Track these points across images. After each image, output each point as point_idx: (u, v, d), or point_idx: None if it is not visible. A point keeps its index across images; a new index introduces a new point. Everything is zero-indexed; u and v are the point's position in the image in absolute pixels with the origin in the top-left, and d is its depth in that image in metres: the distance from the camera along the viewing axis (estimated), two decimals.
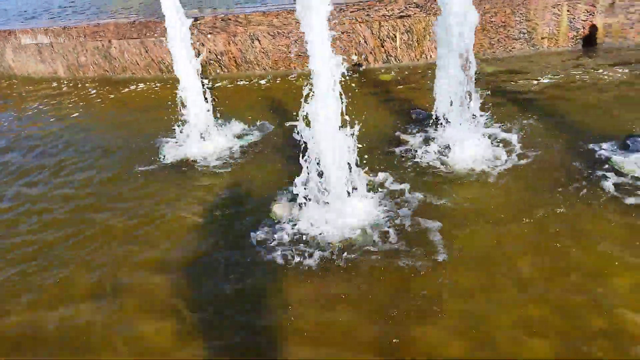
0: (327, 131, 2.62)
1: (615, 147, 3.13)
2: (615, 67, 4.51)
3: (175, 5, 3.67)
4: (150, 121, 4.66)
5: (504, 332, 2.01)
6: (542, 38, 5.11)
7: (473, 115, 3.58)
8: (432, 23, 5.10)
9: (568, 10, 4.95)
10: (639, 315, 1.99)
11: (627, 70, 4.39)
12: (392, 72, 5.21)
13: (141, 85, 5.98)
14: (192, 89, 3.74)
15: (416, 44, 5.31)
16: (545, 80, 4.44)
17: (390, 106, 4.40)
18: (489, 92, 4.30)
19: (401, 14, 5.18)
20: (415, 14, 5.15)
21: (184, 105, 3.85)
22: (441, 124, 3.59)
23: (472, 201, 2.88)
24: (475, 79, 3.74)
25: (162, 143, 4.12)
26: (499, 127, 3.64)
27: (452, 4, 3.19)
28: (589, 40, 5.06)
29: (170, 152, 3.95)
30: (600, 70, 4.49)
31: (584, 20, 4.98)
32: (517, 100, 4.13)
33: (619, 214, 2.57)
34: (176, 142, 4.06)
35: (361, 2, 5.25)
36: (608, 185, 2.79)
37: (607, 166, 2.96)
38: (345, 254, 2.54)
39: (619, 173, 2.87)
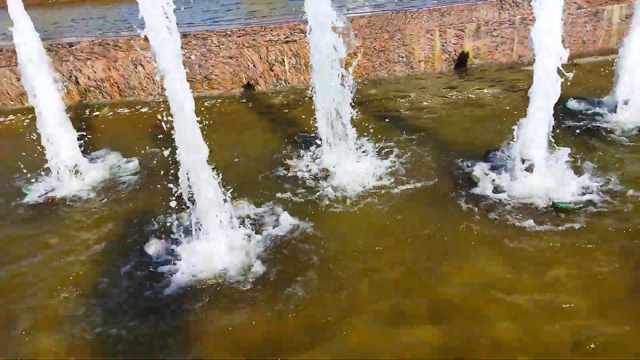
0: (192, 160, 2.51)
1: (478, 162, 3.36)
2: (483, 85, 4.91)
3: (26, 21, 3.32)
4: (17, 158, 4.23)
5: None
6: (420, 61, 5.44)
7: (351, 137, 3.70)
8: None
9: (440, 35, 5.32)
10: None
11: (493, 89, 4.79)
12: (280, 96, 5.24)
13: (11, 117, 5.44)
14: (52, 119, 3.43)
15: (304, 68, 5.40)
16: (421, 101, 4.72)
17: (278, 130, 4.40)
18: (371, 114, 4.48)
19: (287, 39, 5.25)
20: (300, 39, 5.24)
21: (47, 139, 3.52)
22: (324, 146, 3.64)
23: (346, 225, 2.91)
24: (359, 102, 3.88)
25: (27, 181, 3.74)
26: (377, 147, 3.77)
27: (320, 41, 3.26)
28: (461, 62, 5.48)
29: (35, 191, 3.59)
30: (470, 89, 4.86)
31: (454, 44, 5.38)
32: (394, 120, 4.33)
33: (480, 228, 2.74)
34: (42, 180, 3.71)
35: (247, 27, 5.25)
36: (470, 200, 2.98)
37: (469, 181, 3.16)
38: (215, 289, 2.44)
39: (482, 188, 3.06)
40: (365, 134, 3.92)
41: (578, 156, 3.28)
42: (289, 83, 5.47)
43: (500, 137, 3.60)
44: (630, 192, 2.87)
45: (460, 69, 5.49)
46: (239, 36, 5.25)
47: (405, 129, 4.11)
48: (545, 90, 2.86)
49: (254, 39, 5.23)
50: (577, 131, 3.69)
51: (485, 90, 4.79)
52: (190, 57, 5.35)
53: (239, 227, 2.78)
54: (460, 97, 4.72)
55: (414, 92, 4.98)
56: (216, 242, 2.63)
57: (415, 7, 5.34)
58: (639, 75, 3.65)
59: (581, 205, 2.76)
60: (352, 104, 3.51)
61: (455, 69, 5.49)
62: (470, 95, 4.73)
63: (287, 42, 5.27)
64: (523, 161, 3.02)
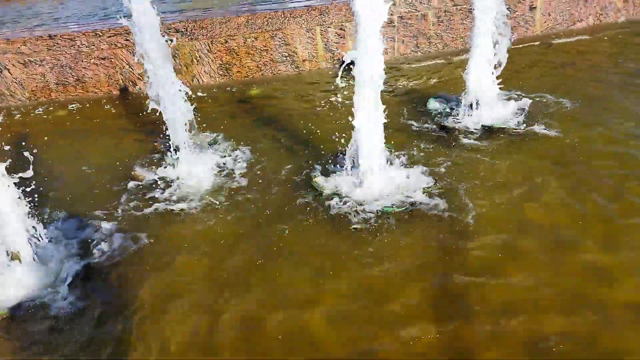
0: None
1: (325, 167, 3.35)
2: None
3: None
4: None
5: None
6: (304, 60, 5.39)
7: (205, 143, 3.60)
8: (197, 48, 5.11)
9: (321, 34, 5.30)
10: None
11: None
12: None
13: None
14: None
15: (185, 69, 5.22)
16: (295, 101, 4.68)
17: (145, 135, 4.22)
18: (240, 116, 4.39)
19: None
20: (177, 38, 5.05)
21: None
22: (174, 154, 3.52)
23: (190, 235, 2.82)
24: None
25: None
26: (234, 151, 3.69)
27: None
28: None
29: None
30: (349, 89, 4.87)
31: (336, 43, 5.38)
32: (261, 122, 4.26)
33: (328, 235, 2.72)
34: None
35: (118, 27, 5.00)
36: (307, 205, 2.96)
37: (311, 186, 3.15)
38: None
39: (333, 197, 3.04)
40: (231, 138, 3.86)
41: (417, 159, 3.35)
42: None
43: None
44: (461, 193, 2.95)
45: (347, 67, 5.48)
46: (110, 36, 4.99)
47: (268, 131, 4.06)
48: (368, 96, 2.86)
49: (127, 39, 4.99)
50: (426, 131, 3.77)
51: None
52: (59, 59, 5.05)
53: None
54: (336, 98, 4.71)
55: (292, 92, 4.93)
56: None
57: (293, 6, 5.28)
58: (485, 74, 3.75)
59: (403, 209, 2.80)
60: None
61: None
62: (347, 95, 4.73)
63: None
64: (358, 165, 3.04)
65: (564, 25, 5.92)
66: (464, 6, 5.46)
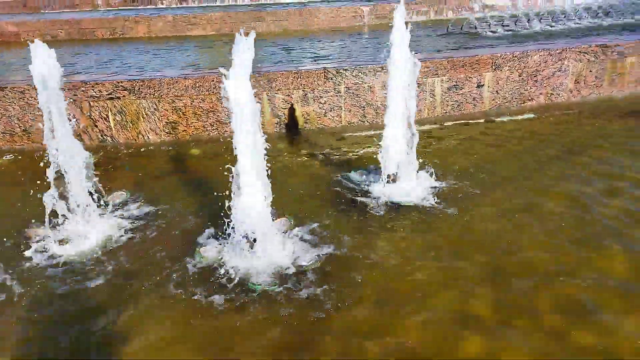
0: None
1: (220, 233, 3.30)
2: (307, 151, 4.96)
3: None
4: None
5: None
6: None
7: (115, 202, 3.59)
8: (143, 106, 5.24)
9: (268, 99, 5.42)
10: None
11: (317, 155, 4.83)
12: (101, 152, 5.10)
13: None
14: None
15: (131, 125, 5.31)
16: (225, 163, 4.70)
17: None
18: (169, 177, 4.41)
19: (110, 95, 5.18)
20: (124, 96, 5.19)
21: None
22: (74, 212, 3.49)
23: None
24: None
25: None
26: (139, 211, 3.67)
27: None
28: (293, 126, 5.57)
29: None
30: (290, 152, 4.93)
31: (283, 109, 5.49)
32: (190, 182, 4.26)
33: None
34: None
35: (66, 83, 5.15)
36: (190, 274, 2.88)
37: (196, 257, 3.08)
38: None
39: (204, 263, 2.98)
40: (144, 198, 3.86)
41: (315, 232, 3.29)
42: (115, 139, 5.35)
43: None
44: (335, 274, 2.87)
45: (292, 132, 5.58)
46: None
47: (187, 192, 4.05)
48: (249, 165, 2.86)
49: (75, 94, 5.13)
50: (337, 203, 3.74)
51: (308, 156, 4.82)
52: (7, 110, 5.17)
53: None
54: (278, 161, 4.74)
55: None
56: None
57: None
58: (399, 150, 3.77)
59: (273, 287, 2.71)
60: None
61: (288, 133, 5.57)
62: (289, 159, 4.77)
63: (110, 98, 5.19)
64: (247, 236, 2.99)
65: (513, 103, 6.03)
66: None
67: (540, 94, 6.10)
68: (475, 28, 8.49)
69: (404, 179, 3.84)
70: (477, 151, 4.77)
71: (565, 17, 9.27)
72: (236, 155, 2.88)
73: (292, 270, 2.85)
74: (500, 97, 5.96)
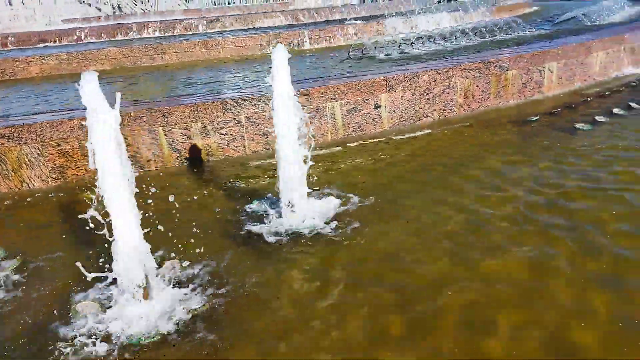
0: None
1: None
2: (208, 184, 4.80)
3: None
4: None
5: None
6: (148, 160, 5.25)
7: None
8: (25, 152, 4.83)
9: (165, 134, 5.23)
10: None
11: (219, 187, 4.68)
12: None
13: None
14: None
15: (13, 174, 4.87)
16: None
17: None
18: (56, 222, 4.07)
19: None
20: (3, 144, 4.76)
21: None
22: None
23: None
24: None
25: None
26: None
27: None
28: (196, 159, 5.40)
29: None
30: (190, 187, 4.75)
31: (182, 142, 5.32)
32: (74, 232, 3.95)
33: None
34: None
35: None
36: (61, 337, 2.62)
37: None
38: None
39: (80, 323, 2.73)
40: (19, 253, 3.50)
41: (206, 270, 3.16)
42: None
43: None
44: (225, 317, 2.75)
45: (195, 165, 5.40)
46: None
47: (68, 244, 3.75)
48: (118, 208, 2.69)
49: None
50: (235, 236, 3.64)
51: (196, 193, 4.68)
52: None
53: None
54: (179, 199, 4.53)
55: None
56: None
57: (135, 107, 5.23)
58: (294, 176, 3.75)
59: (151, 339, 2.53)
60: None
61: (190, 167, 5.39)
62: (189, 194, 4.58)
63: None
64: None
65: (410, 121, 6.31)
66: (310, 106, 5.69)
67: (434, 110, 6.45)
68: (368, 50, 8.88)
69: (303, 205, 3.82)
70: (377, 170, 4.89)
71: (454, 37, 9.99)
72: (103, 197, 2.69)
73: (178, 315, 2.69)
74: (397, 116, 6.22)
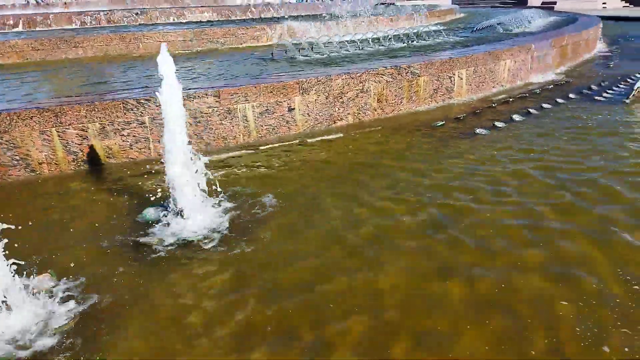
0: None
1: None
2: (104, 189, 4.54)
3: None
4: None
5: None
6: (40, 163, 4.90)
7: None
8: None
9: (59, 135, 4.90)
10: None
11: (116, 192, 4.44)
12: None
13: None
14: None
15: None
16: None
17: None
18: None
19: None
20: None
21: None
22: None
23: None
24: None
25: None
26: None
27: None
28: (93, 162, 5.11)
29: None
30: (84, 192, 4.48)
31: (79, 144, 5.01)
32: None
33: None
34: None
35: None
36: None
37: None
38: None
39: None
40: None
41: (86, 286, 2.98)
42: None
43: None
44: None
45: (94, 168, 5.11)
46: None
47: None
48: None
49: None
50: (123, 247, 3.47)
51: (90, 199, 4.42)
52: None
53: None
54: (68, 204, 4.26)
55: (20, 200, 4.37)
56: None
57: (22, 107, 4.86)
58: (185, 182, 3.63)
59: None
60: None
61: (89, 170, 5.08)
62: (85, 199, 4.32)
63: None
64: None
65: (325, 124, 6.35)
66: (220, 108, 5.56)
67: (348, 114, 6.53)
68: (290, 51, 8.87)
69: (197, 212, 3.70)
70: (285, 174, 4.86)
71: (376, 42, 10.19)
72: None
73: (43, 333, 2.51)
74: (312, 119, 6.23)
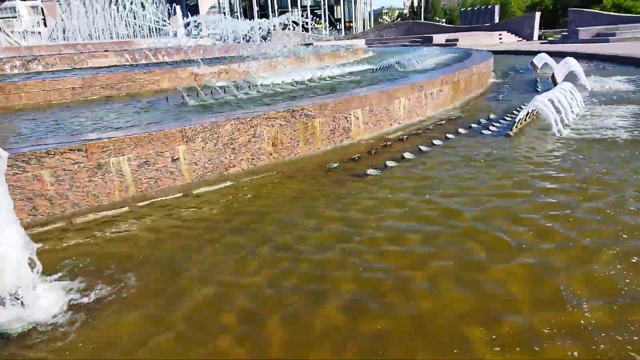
0: None
1: None
2: None
3: None
4: None
5: None
6: None
7: None
8: None
9: None
10: None
11: None
12: None
13: None
14: None
15: None
16: None
17: None
18: None
19: None
20: None
21: None
22: None
23: None
24: None
25: None
26: None
27: None
28: None
29: None
30: None
31: None
32: None
33: None
34: None
35: None
36: None
37: None
38: None
39: None
40: None
41: None
42: None
43: None
44: None
45: None
46: None
47: None
48: None
49: None
50: None
51: None
52: None
53: None
54: None
55: None
56: None
57: None
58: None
59: None
60: None
61: None
62: None
63: None
64: None
65: (215, 172, 6.00)
66: (89, 164, 5.04)
67: (242, 160, 6.25)
68: (183, 97, 8.55)
69: (30, 296, 3.16)
70: (156, 235, 4.43)
71: (285, 83, 10.16)
72: None
73: None
74: (200, 168, 5.87)
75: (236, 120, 6.12)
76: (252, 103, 8.93)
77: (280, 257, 3.81)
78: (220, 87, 9.06)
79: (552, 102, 7.39)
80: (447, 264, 3.56)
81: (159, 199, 5.32)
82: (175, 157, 5.66)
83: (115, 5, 43.55)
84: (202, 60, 14.06)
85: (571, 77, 11.67)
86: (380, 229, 4.23)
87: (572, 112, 8.04)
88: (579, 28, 34.05)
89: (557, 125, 7.09)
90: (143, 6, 46.64)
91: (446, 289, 3.24)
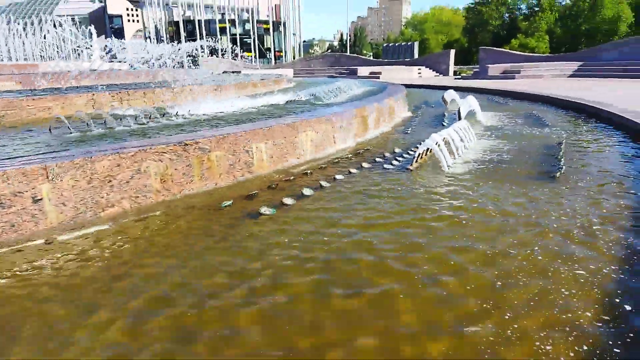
0: None
1: None
2: None
3: None
4: None
5: None
6: None
7: None
8: None
9: None
10: None
11: None
12: None
13: None
14: None
15: None
16: None
17: None
18: None
19: None
20: None
21: None
22: None
23: None
24: None
25: None
26: None
27: None
28: None
29: None
30: None
31: None
32: None
33: None
34: None
35: None
36: None
37: None
38: None
39: None
40: None
41: None
42: None
43: None
44: None
45: None
46: None
47: None
48: None
49: None
50: None
51: None
52: None
53: None
54: None
55: None
56: None
57: None
58: None
59: None
60: None
61: None
62: None
63: None
64: None
65: (90, 213, 5.33)
66: None
67: (122, 198, 5.63)
68: (70, 128, 7.80)
69: None
70: None
71: (174, 115, 9.63)
72: None
73: None
74: (70, 210, 5.18)
75: (116, 155, 5.53)
76: (156, 133, 8.32)
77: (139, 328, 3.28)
78: (119, 117, 8.37)
79: (446, 140, 7.69)
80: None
81: (7, 249, 4.56)
82: (37, 198, 4.94)
83: (24, 25, 40.69)
84: (107, 86, 13.16)
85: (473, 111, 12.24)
86: (261, 277, 3.84)
87: (465, 147, 8.39)
88: (488, 65, 36.81)
89: (446, 161, 7.24)
90: (55, 27, 44.02)
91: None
